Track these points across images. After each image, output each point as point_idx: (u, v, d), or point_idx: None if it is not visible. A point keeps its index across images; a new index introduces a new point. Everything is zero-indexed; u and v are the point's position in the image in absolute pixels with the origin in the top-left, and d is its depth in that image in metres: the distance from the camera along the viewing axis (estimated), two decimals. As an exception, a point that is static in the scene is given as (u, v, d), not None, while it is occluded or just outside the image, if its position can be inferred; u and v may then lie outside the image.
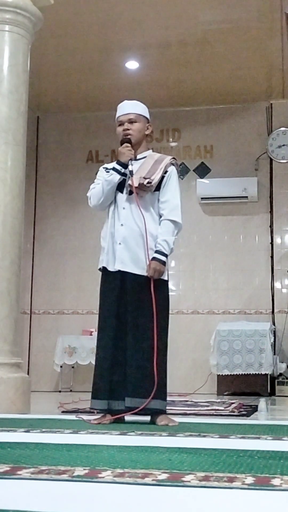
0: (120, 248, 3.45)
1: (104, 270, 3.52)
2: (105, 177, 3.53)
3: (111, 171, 3.52)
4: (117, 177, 3.50)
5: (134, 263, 3.43)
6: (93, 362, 3.69)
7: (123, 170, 3.51)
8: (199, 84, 7.73)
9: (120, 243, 3.46)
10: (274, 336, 7.41)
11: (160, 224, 3.50)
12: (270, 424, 3.53)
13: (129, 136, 3.57)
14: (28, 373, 7.53)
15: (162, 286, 3.48)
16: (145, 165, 3.56)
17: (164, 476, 1.65)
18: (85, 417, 3.54)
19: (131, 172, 3.49)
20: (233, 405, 4.93)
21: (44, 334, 8.25)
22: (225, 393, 7.14)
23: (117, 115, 3.66)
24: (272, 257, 7.88)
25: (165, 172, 3.55)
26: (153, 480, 1.59)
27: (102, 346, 3.45)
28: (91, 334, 7.56)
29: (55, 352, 7.76)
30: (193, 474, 1.68)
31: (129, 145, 3.55)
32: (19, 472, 1.70)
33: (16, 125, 4.73)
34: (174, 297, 7.50)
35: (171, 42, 6.82)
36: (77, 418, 3.59)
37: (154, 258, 3.41)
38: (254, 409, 4.71)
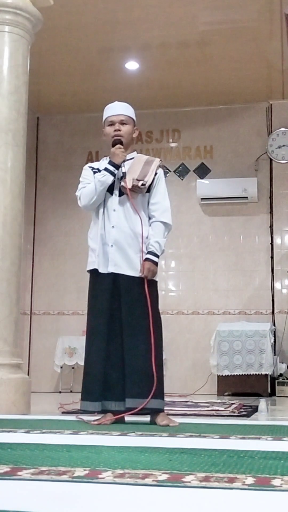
0: (112, 250, 3.45)
1: (94, 272, 3.50)
2: (98, 178, 3.49)
3: (104, 172, 3.50)
4: (110, 178, 3.48)
5: (127, 265, 3.44)
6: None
7: (116, 171, 3.50)
8: (199, 84, 7.73)
9: (112, 245, 3.45)
10: (274, 337, 7.41)
11: (150, 226, 3.51)
12: (270, 425, 3.53)
13: (120, 138, 3.57)
14: (28, 374, 7.54)
15: (153, 286, 3.50)
16: (135, 166, 3.56)
17: (164, 476, 1.65)
18: (85, 417, 3.53)
19: (124, 173, 3.49)
20: (234, 406, 4.92)
21: (44, 335, 8.25)
22: (225, 394, 7.13)
23: (107, 115, 3.64)
24: (272, 257, 7.88)
25: (155, 174, 3.56)
26: (153, 480, 1.59)
27: (94, 350, 3.43)
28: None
29: (55, 352, 7.77)
30: (194, 474, 1.67)
31: (121, 146, 3.54)
32: (19, 473, 1.70)
33: (16, 126, 4.73)
34: (174, 297, 7.42)
35: (171, 43, 6.82)
36: (77, 419, 3.58)
37: (147, 259, 3.43)
38: (255, 409, 4.71)
